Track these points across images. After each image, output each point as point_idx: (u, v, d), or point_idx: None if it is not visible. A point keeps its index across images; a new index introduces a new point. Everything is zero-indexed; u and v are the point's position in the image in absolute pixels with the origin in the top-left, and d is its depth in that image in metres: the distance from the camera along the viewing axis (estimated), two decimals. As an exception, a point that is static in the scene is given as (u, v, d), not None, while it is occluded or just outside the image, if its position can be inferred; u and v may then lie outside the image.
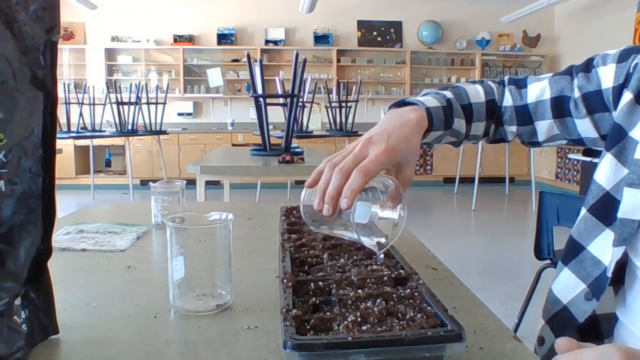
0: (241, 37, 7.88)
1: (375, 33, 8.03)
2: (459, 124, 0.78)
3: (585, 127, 0.76)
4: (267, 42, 7.82)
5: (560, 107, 0.77)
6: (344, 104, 5.57)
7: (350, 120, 5.61)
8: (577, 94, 0.74)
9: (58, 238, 0.98)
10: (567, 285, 0.72)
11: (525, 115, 0.81)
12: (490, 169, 7.21)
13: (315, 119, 5.30)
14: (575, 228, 0.73)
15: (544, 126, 0.80)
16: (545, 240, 2.00)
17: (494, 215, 5.74)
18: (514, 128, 0.83)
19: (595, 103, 0.73)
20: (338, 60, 7.90)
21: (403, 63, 8.03)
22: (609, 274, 0.65)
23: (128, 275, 0.79)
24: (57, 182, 0.54)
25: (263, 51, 7.71)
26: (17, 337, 0.51)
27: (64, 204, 4.93)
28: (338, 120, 5.65)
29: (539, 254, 2.03)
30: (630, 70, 0.68)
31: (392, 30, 8.05)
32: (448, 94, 0.79)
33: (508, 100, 0.83)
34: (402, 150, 0.64)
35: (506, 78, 0.86)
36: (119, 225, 1.10)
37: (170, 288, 0.64)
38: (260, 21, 7.81)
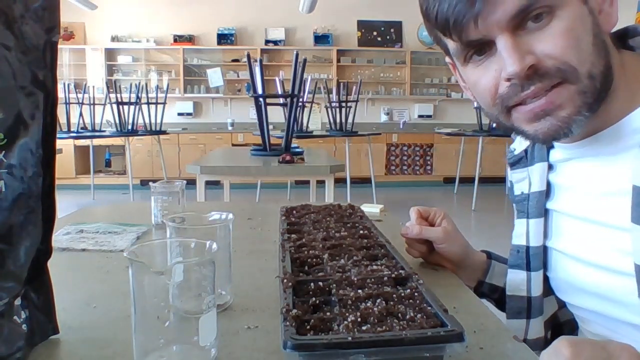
0: (241, 37, 7.88)
1: (375, 33, 8.03)
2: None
3: None
4: (267, 42, 7.82)
5: None
6: (343, 104, 5.57)
7: (350, 120, 5.61)
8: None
9: (58, 238, 0.98)
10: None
11: None
12: (490, 169, 7.19)
13: (315, 119, 5.30)
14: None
15: None
16: (545, 240, 2.00)
17: (494, 216, 5.73)
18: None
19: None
20: (338, 60, 7.89)
21: (403, 63, 8.02)
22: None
23: (128, 276, 0.79)
24: (57, 182, 0.54)
25: (263, 51, 7.70)
26: (17, 337, 0.51)
27: (64, 204, 4.92)
28: (338, 120, 5.65)
29: (539, 254, 2.03)
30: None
31: (392, 30, 8.05)
32: None
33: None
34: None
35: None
36: (119, 225, 1.10)
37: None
38: (260, 21, 7.81)
